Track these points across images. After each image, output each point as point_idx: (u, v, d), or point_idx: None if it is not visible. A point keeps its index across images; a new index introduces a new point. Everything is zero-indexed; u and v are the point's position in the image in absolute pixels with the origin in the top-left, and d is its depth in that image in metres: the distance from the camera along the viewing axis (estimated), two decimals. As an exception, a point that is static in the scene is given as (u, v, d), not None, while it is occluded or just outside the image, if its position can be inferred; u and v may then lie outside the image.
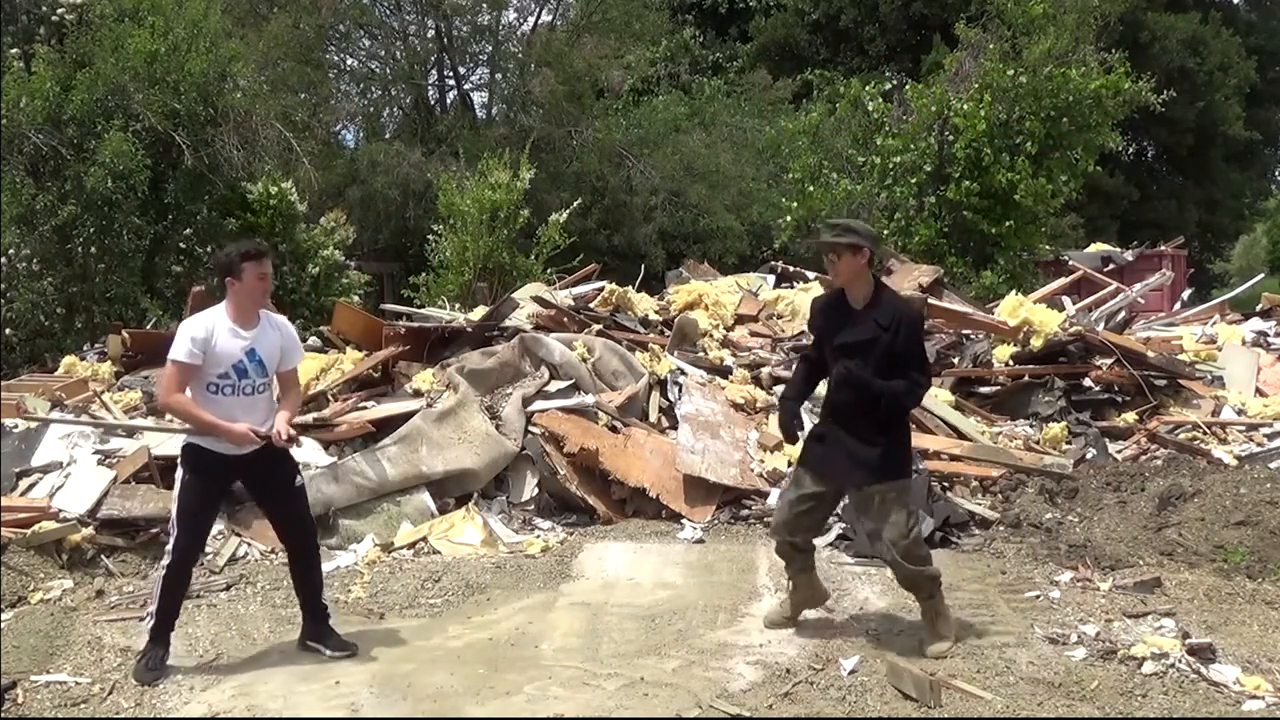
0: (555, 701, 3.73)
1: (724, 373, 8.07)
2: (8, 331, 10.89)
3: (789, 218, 15.66)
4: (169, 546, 4.08)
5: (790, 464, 6.60)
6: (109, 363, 8.62)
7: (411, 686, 3.91)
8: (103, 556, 5.54)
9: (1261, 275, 19.51)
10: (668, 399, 7.67)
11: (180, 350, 3.96)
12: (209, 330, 3.99)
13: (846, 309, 4.12)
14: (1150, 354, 8.21)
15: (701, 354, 8.40)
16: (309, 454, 6.39)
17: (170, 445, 6.00)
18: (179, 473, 4.12)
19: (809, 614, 4.58)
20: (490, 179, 13.28)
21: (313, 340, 9.15)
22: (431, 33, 21.31)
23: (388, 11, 21.88)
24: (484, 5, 20.52)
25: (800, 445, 4.38)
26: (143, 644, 4.15)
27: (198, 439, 4.06)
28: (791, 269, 11.73)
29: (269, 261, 4.15)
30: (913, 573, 4.12)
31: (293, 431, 4.11)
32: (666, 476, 6.72)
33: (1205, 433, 7.39)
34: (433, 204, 15.02)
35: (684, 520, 6.44)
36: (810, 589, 4.45)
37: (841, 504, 4.77)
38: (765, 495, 6.56)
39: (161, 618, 4.07)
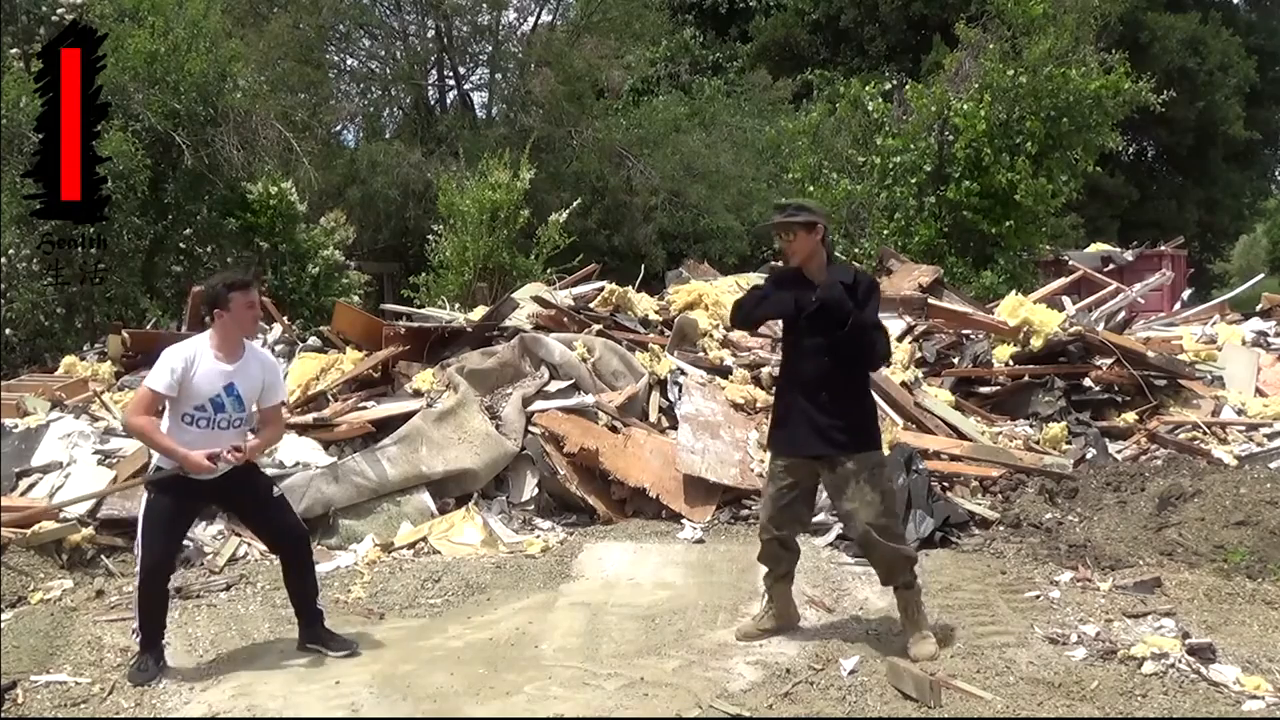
0: (555, 701, 3.73)
1: (724, 373, 8.06)
2: (8, 331, 10.88)
3: (789, 218, 15.61)
4: (136, 566, 4.07)
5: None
6: (109, 363, 8.63)
7: (411, 686, 3.90)
8: (103, 556, 5.55)
9: (1261, 275, 19.51)
10: (668, 399, 7.67)
11: (158, 380, 3.94)
12: (189, 362, 3.95)
13: (806, 283, 4.12)
14: (1150, 354, 8.21)
15: (701, 354, 8.40)
16: (309, 454, 6.40)
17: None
18: (144, 493, 4.09)
19: (809, 614, 4.59)
20: (490, 179, 13.29)
21: (313, 340, 9.15)
22: (431, 33, 21.34)
23: (388, 11, 21.93)
24: (484, 5, 20.54)
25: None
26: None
27: (165, 462, 4.03)
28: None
29: (256, 290, 4.14)
30: (890, 552, 4.08)
31: (245, 448, 4.03)
32: (666, 476, 6.72)
33: (1205, 433, 7.39)
34: (433, 204, 15.04)
35: (684, 520, 6.43)
36: (785, 602, 4.41)
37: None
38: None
39: (146, 631, 4.07)
